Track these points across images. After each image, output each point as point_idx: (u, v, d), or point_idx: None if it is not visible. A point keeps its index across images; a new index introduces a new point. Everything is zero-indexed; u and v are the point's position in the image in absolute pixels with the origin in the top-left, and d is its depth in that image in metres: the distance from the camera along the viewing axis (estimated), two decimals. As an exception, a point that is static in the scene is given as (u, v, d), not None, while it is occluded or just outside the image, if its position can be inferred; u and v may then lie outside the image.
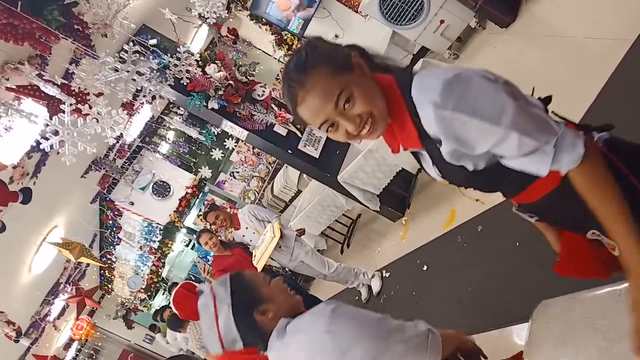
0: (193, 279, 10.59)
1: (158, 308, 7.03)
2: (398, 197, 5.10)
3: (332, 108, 1.20)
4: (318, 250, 5.89)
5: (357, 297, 5.13)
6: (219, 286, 1.64)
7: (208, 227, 5.67)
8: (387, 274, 4.88)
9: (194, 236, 10.01)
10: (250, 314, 1.56)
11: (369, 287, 4.96)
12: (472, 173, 1.25)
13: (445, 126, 1.14)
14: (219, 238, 4.89)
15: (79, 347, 11.98)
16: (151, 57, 3.31)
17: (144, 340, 12.75)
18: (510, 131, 1.11)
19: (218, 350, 1.58)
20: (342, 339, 1.40)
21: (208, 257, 7.13)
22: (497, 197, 3.57)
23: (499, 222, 3.49)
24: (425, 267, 4.20)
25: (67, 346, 11.20)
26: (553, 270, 1.61)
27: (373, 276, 4.93)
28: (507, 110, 1.10)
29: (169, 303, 5.68)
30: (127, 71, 2.92)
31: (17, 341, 6.36)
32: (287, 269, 5.91)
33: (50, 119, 2.48)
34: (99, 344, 12.82)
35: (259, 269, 4.49)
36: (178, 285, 3.24)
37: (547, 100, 1.26)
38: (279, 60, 8.85)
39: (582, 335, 1.39)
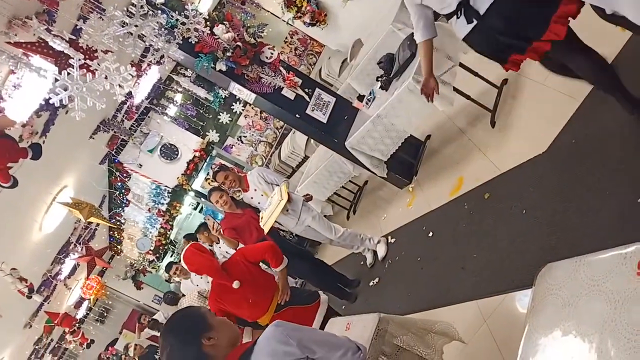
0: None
1: (169, 262, 7.31)
2: (405, 163, 5.08)
3: None
4: (324, 216, 5.93)
5: (362, 262, 5.19)
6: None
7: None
8: (393, 240, 4.91)
9: (202, 199, 10.12)
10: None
11: (375, 253, 5.00)
12: None
13: None
14: (230, 196, 4.96)
15: (89, 305, 12.27)
16: (160, 12, 3.25)
17: (152, 301, 13.03)
18: None
19: None
20: None
21: (217, 217, 7.22)
22: (506, 164, 3.55)
23: (506, 189, 3.49)
24: (430, 234, 4.23)
25: (77, 305, 11.48)
26: None
27: (379, 242, 4.97)
28: None
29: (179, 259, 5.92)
30: (136, 25, 2.87)
31: (29, 297, 6.52)
32: (293, 233, 5.99)
33: (59, 73, 2.47)
34: (109, 303, 13.13)
35: (266, 230, 4.55)
36: (188, 244, 3.54)
37: None
38: (287, 23, 8.69)
39: (585, 298, 1.40)
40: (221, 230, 4.88)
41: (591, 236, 2.49)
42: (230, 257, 3.66)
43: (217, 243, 5.71)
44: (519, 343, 1.55)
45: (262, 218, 4.57)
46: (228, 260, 3.57)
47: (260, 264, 3.59)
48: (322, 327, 3.33)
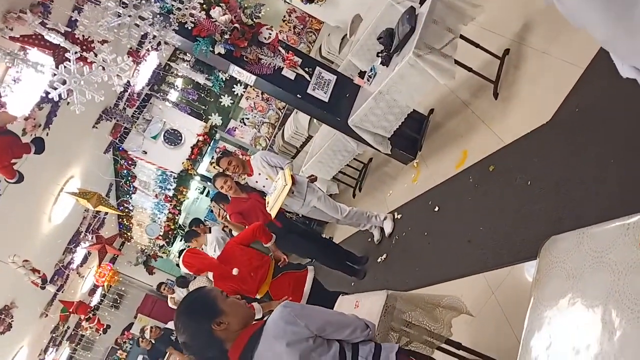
0: (209, 224, 10.82)
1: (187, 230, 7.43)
2: (409, 139, 5.06)
3: None
4: (330, 195, 5.94)
5: (369, 239, 5.22)
6: None
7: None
8: (399, 216, 4.93)
9: (208, 183, 10.16)
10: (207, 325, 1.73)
11: (381, 229, 5.03)
12: None
13: None
14: (235, 180, 4.99)
15: (103, 292, 12.47)
16: (153, 0, 3.21)
17: (165, 285, 13.19)
18: None
19: None
20: None
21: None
22: (511, 135, 3.53)
23: (511, 161, 3.48)
24: (436, 208, 4.24)
25: (91, 292, 11.67)
26: None
27: (385, 218, 4.99)
28: None
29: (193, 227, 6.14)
30: (129, 16, 2.84)
31: (43, 288, 6.62)
32: (300, 215, 6.02)
33: (57, 67, 2.46)
34: (123, 289, 13.34)
35: (272, 215, 4.57)
36: (184, 251, 3.99)
37: None
38: (284, 1, 8.58)
39: (590, 270, 1.40)
40: (227, 216, 4.91)
41: (596, 206, 2.49)
42: (224, 248, 4.04)
43: (205, 245, 6.00)
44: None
45: (267, 203, 4.58)
46: (223, 252, 3.95)
47: None
48: (312, 292, 3.84)
